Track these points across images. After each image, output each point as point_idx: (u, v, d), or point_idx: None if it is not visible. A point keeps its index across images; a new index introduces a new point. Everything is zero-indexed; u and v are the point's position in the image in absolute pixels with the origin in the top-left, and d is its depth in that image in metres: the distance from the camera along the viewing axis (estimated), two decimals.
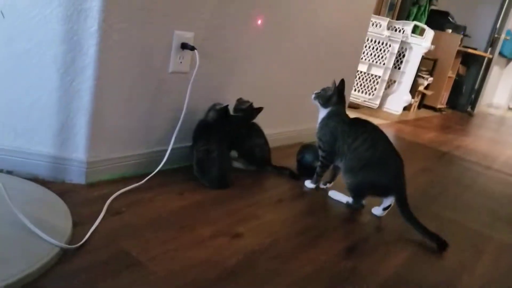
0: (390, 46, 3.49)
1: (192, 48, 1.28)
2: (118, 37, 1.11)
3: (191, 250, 0.98)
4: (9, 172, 1.13)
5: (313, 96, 1.46)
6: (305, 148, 1.64)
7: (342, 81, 1.44)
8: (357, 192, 1.38)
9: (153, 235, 1.01)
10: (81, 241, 0.90)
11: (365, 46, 3.54)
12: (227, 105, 1.38)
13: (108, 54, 1.10)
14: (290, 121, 1.98)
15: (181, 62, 1.30)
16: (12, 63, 1.08)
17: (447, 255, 1.23)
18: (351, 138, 1.36)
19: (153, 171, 1.27)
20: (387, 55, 3.49)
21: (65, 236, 0.89)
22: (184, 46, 1.28)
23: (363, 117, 1.54)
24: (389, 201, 1.36)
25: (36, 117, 1.12)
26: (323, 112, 1.45)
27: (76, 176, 1.16)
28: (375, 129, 1.38)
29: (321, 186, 1.51)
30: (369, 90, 3.61)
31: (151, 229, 1.03)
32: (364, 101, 3.61)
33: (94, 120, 1.14)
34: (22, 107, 1.11)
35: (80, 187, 1.15)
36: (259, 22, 1.49)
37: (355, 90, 3.61)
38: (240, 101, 1.50)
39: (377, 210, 1.38)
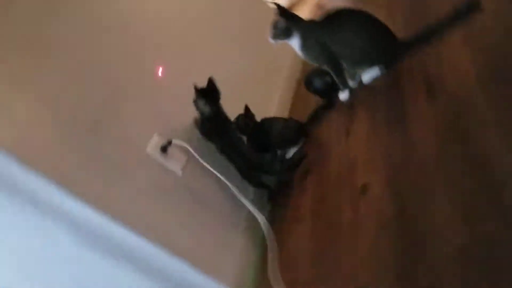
0: None
1: (169, 143, 1.28)
2: None
3: None
4: None
5: (272, 40, 1.36)
6: (308, 78, 1.59)
7: (279, 7, 1.35)
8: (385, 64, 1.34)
9: None
10: None
11: None
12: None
13: None
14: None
15: (177, 160, 1.31)
16: None
17: None
18: (337, 36, 1.29)
19: None
20: None
21: None
22: (163, 148, 1.29)
23: None
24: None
25: None
26: (295, 41, 1.35)
27: None
28: (349, 14, 1.31)
29: (351, 83, 1.45)
30: None
31: None
32: None
33: None
34: None
35: None
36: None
37: None
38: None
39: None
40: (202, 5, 1.89)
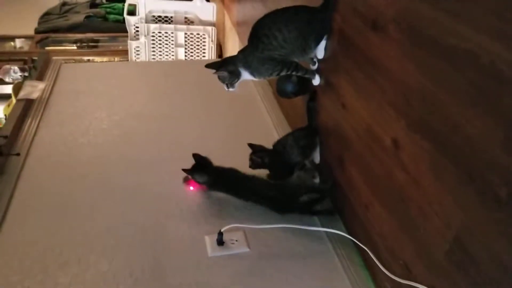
0: None
1: (221, 234, 1.31)
2: None
3: None
4: None
5: (232, 89, 1.38)
6: (279, 90, 1.62)
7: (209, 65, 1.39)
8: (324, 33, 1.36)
9: None
10: None
11: None
12: None
13: None
14: None
15: (237, 241, 1.33)
16: None
17: None
18: (272, 45, 1.30)
19: None
20: None
21: None
22: (219, 242, 1.31)
23: None
24: None
25: None
26: (245, 75, 1.37)
27: None
28: (268, 20, 1.32)
29: (315, 67, 1.47)
30: None
31: None
32: None
33: None
34: None
35: None
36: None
37: None
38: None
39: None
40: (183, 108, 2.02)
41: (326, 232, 1.34)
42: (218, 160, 1.60)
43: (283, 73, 1.40)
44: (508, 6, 0.68)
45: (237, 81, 1.38)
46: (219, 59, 1.39)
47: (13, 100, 2.13)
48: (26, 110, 1.87)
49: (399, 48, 0.98)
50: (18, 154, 1.60)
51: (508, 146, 0.70)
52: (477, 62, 0.75)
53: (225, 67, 1.35)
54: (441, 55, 0.85)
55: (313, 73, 1.45)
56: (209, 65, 1.37)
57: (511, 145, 0.70)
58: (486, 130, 0.74)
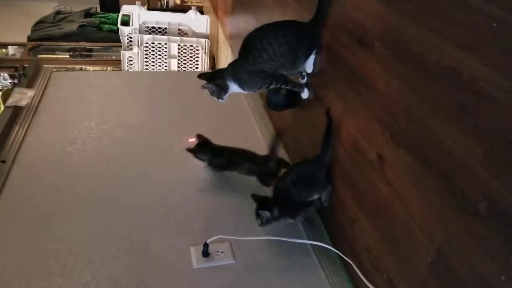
0: None
1: (206, 246, 1.30)
2: None
3: None
4: None
5: (221, 100, 1.39)
6: (270, 103, 1.63)
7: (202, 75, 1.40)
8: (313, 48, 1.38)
9: None
10: None
11: None
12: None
13: None
14: None
15: (222, 252, 1.32)
16: None
17: None
18: (262, 58, 1.31)
19: None
20: None
21: None
22: (205, 253, 1.30)
23: None
24: None
25: None
26: (234, 87, 1.38)
27: None
28: (259, 34, 1.34)
29: (303, 81, 1.49)
30: None
31: None
32: None
33: None
34: None
35: None
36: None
37: None
38: None
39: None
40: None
41: (312, 245, 1.34)
42: (207, 171, 1.60)
43: (272, 87, 1.41)
44: (487, 25, 0.70)
45: (224, 94, 1.39)
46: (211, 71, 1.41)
47: (1, 106, 2.12)
48: (14, 117, 1.85)
49: (384, 64, 1.00)
50: (3, 162, 1.59)
51: (487, 161, 0.72)
52: (458, 78, 0.77)
53: (213, 81, 1.36)
54: (424, 71, 0.87)
55: (301, 87, 1.46)
56: (201, 76, 1.39)
57: (490, 161, 0.71)
58: (466, 146, 0.76)
